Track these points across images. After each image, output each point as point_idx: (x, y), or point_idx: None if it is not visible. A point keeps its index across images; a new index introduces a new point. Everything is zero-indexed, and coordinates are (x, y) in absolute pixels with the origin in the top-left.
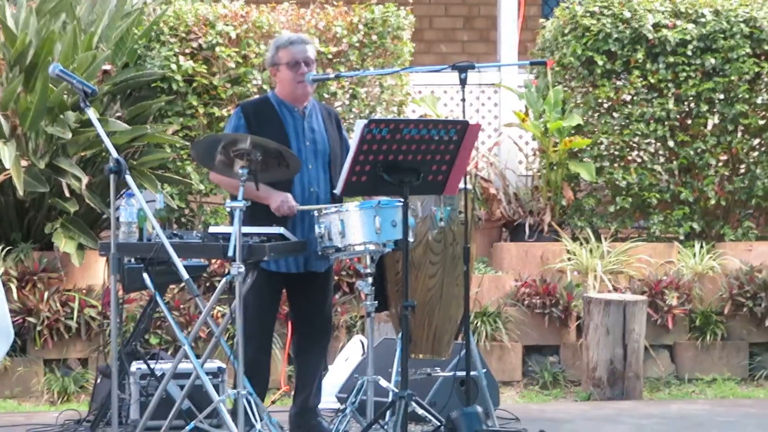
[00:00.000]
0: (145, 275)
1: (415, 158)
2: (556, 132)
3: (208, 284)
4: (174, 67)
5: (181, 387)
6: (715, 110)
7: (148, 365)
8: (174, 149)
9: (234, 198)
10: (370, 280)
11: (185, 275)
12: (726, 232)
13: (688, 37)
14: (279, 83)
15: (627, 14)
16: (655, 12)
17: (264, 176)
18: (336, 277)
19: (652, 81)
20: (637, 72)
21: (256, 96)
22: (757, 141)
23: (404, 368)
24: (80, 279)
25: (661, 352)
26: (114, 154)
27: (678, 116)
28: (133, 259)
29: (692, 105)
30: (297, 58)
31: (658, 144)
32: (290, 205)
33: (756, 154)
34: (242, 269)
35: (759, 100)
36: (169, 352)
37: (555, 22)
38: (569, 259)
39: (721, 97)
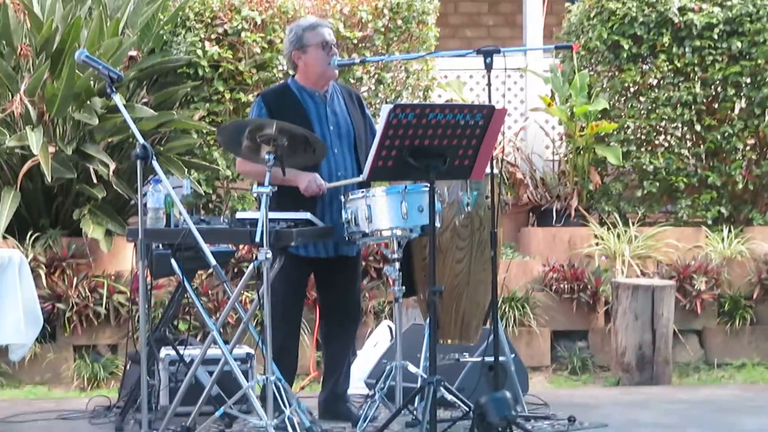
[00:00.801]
0: (173, 261)
1: (441, 143)
2: (583, 116)
3: (236, 270)
4: (200, 52)
5: (210, 373)
6: (742, 94)
7: (177, 351)
8: (200, 135)
9: (261, 184)
10: (397, 265)
11: (213, 261)
12: (754, 217)
13: (714, 21)
14: (304, 66)
15: None
16: None
17: (290, 161)
18: (363, 263)
19: (679, 65)
20: (663, 56)
21: (277, 83)
22: None
23: (432, 354)
24: (109, 265)
25: (690, 337)
26: (141, 140)
27: (705, 100)
28: (161, 245)
29: (719, 89)
30: (327, 39)
31: (685, 128)
32: (318, 184)
33: None
34: (269, 254)
35: None
36: (197, 338)
37: (581, 6)
38: (597, 244)
39: (748, 80)
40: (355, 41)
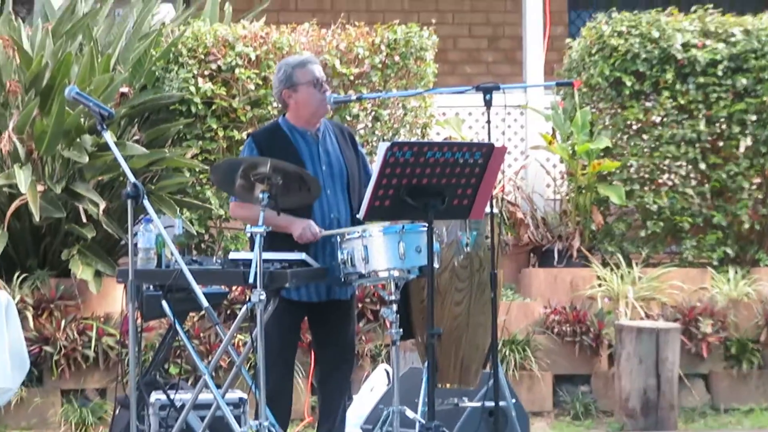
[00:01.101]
0: (164, 303)
1: (440, 182)
2: (584, 154)
3: (228, 312)
4: (193, 89)
5: (202, 418)
6: (747, 132)
7: (167, 396)
8: (193, 173)
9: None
10: (394, 307)
11: (205, 303)
12: (761, 257)
13: (718, 57)
14: (295, 105)
15: (655, 34)
16: (684, 31)
17: (285, 201)
18: (360, 305)
19: (682, 102)
20: (666, 93)
21: (268, 123)
22: None
23: (431, 398)
24: (98, 307)
25: (696, 382)
26: (131, 178)
27: (709, 138)
28: (151, 286)
29: (724, 126)
30: (318, 76)
31: (690, 166)
32: (313, 231)
33: None
34: (263, 296)
35: None
36: (189, 382)
37: (582, 42)
38: (599, 285)
39: (754, 118)
40: (352, 78)
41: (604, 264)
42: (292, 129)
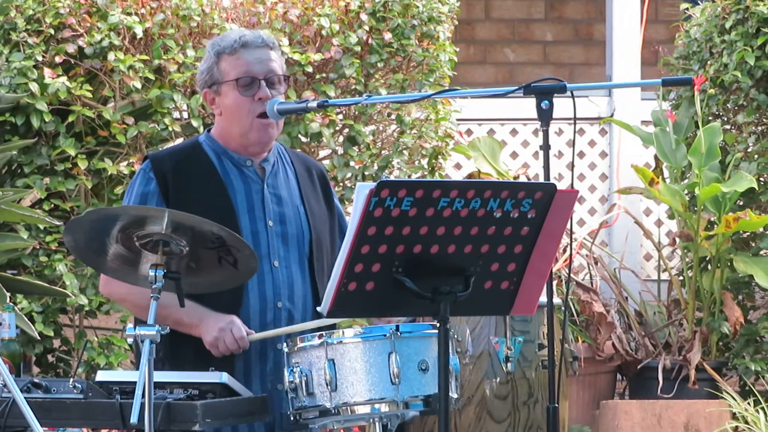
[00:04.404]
0: None
1: (461, 251)
2: (711, 204)
3: None
4: (35, 87)
5: None
6: None
7: None
8: (34, 234)
9: (141, 321)
10: None
11: None
12: None
13: None
14: (220, 118)
15: None
16: None
17: (195, 282)
18: None
19: None
20: None
21: (179, 141)
22: None
23: None
24: None
25: None
26: None
27: None
28: None
29: None
30: (254, 71)
31: None
32: (237, 337)
33: None
34: None
35: None
36: None
37: (708, 10)
38: (736, 429)
39: None
40: (310, 69)
41: (744, 393)
42: (221, 154)
